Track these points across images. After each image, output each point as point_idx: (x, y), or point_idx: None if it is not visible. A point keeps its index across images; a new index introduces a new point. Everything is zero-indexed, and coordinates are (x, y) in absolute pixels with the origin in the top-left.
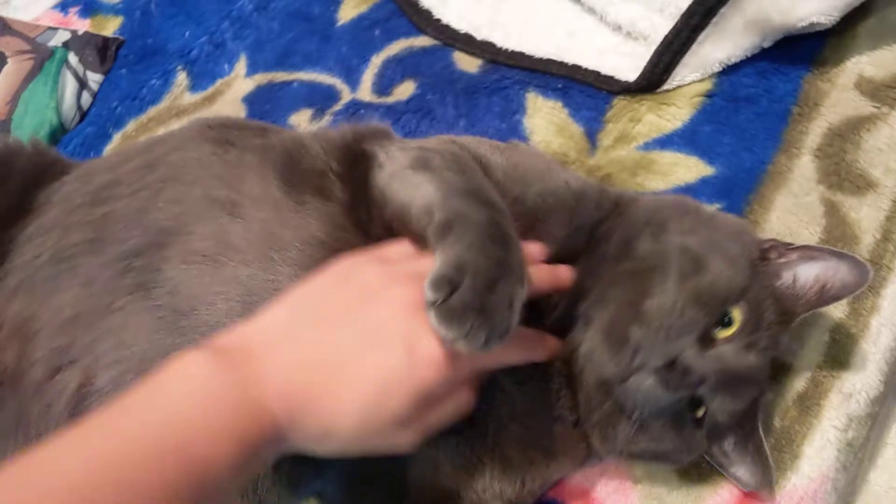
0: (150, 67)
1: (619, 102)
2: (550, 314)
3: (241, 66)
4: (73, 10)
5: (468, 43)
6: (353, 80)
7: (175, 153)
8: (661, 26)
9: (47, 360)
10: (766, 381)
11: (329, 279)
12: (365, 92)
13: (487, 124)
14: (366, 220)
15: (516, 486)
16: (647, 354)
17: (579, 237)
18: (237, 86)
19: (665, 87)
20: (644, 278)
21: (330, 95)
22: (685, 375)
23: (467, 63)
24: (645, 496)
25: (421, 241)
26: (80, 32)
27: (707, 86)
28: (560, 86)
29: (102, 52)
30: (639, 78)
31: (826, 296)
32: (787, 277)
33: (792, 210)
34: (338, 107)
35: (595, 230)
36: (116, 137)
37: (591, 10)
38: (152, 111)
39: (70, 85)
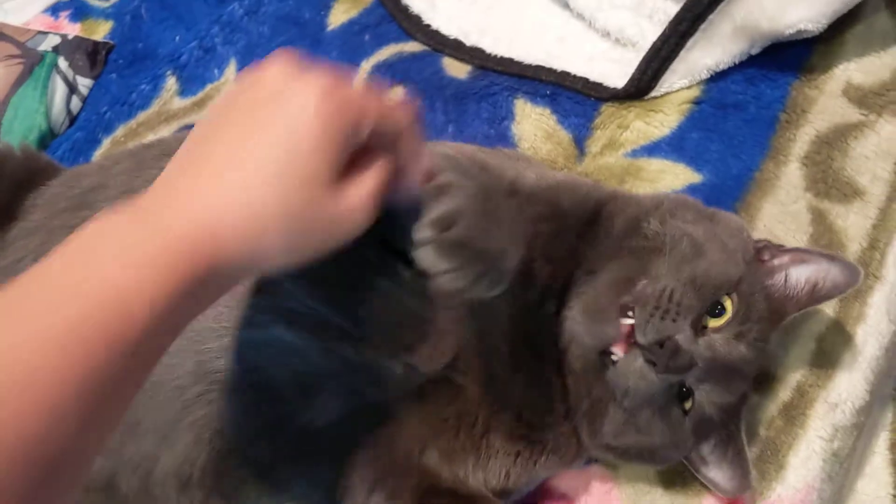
0: (139, 72)
1: (608, 109)
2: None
3: (231, 70)
4: (64, 14)
5: (457, 49)
6: None
7: (166, 159)
8: (649, 32)
9: None
10: (752, 378)
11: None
12: None
13: (476, 130)
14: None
15: (500, 477)
16: (639, 332)
17: (573, 224)
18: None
19: (653, 93)
20: (644, 257)
21: None
22: (675, 356)
23: (456, 69)
24: None
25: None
26: (70, 37)
27: (695, 92)
28: (548, 92)
29: (92, 56)
30: (627, 84)
31: (817, 295)
32: (778, 278)
33: (779, 218)
34: None
35: (595, 214)
36: (106, 143)
37: (580, 17)
38: (142, 116)
39: (60, 90)
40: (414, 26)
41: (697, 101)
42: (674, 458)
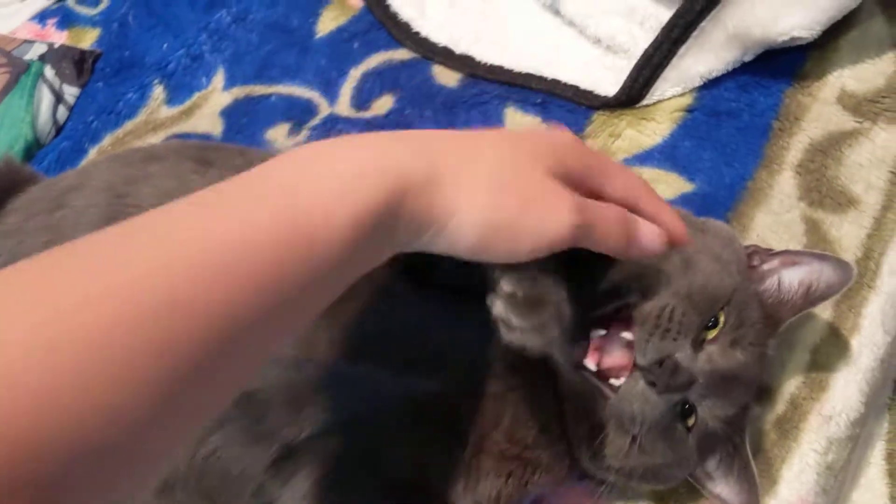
0: (126, 80)
1: (599, 118)
2: None
3: (219, 79)
4: (51, 21)
5: (447, 56)
6: (331, 94)
7: (154, 164)
8: (641, 40)
9: None
10: (755, 386)
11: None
12: (343, 106)
13: None
14: None
15: (490, 499)
16: (639, 353)
17: None
18: (214, 99)
19: (645, 101)
20: (636, 273)
21: (308, 109)
22: (674, 375)
23: (446, 77)
24: None
25: None
26: (56, 45)
27: (687, 100)
28: (539, 101)
29: (79, 65)
30: (619, 92)
31: (812, 297)
32: (770, 283)
33: (772, 228)
34: (315, 121)
35: None
36: (92, 152)
37: (571, 23)
38: (129, 125)
39: (46, 99)
40: (403, 34)
41: (690, 109)
42: (679, 476)
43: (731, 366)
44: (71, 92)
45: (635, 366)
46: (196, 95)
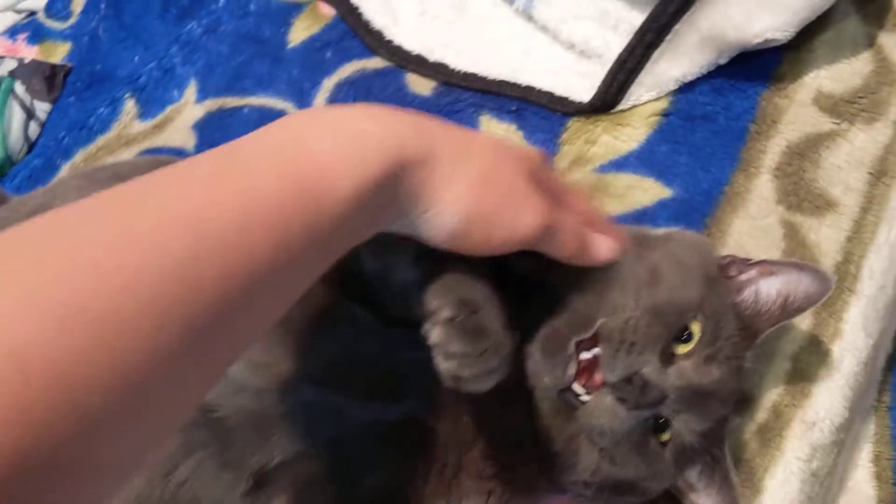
0: (98, 95)
1: (574, 124)
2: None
3: (192, 91)
4: (22, 36)
5: (421, 64)
6: (304, 105)
7: (117, 181)
8: (614, 44)
9: None
10: (733, 399)
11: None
12: None
13: None
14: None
15: None
16: (607, 370)
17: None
18: (187, 112)
19: (620, 106)
20: (597, 293)
21: None
22: (644, 391)
23: (421, 85)
24: None
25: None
26: (26, 61)
27: (663, 105)
28: (514, 108)
29: (50, 80)
30: (593, 98)
31: (790, 308)
32: (748, 294)
33: (750, 233)
34: None
35: None
36: (64, 168)
37: (545, 29)
38: (101, 140)
39: (17, 116)
40: (376, 42)
41: (666, 114)
42: (655, 490)
43: (705, 382)
44: (42, 108)
45: (602, 381)
46: (168, 109)
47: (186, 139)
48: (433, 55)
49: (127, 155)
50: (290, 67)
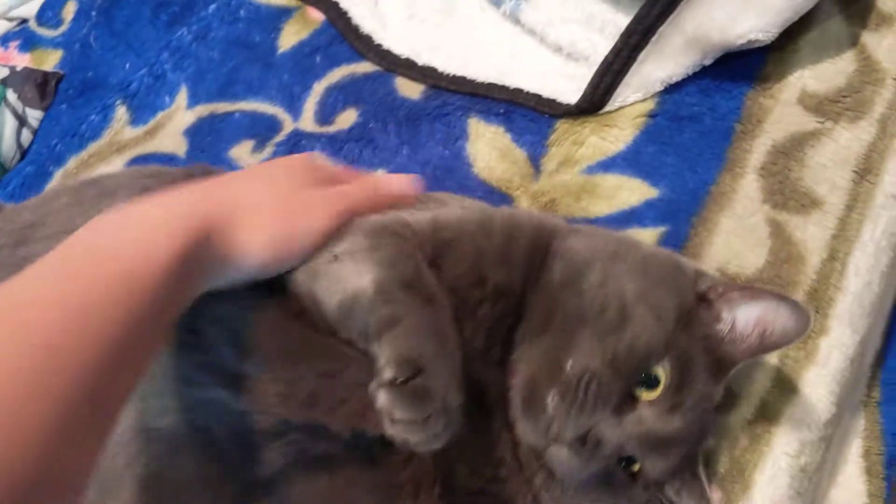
0: (90, 101)
1: (562, 126)
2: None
3: (182, 97)
4: (14, 44)
5: (409, 68)
6: (295, 109)
7: (106, 200)
8: (601, 46)
9: None
10: (703, 433)
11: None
12: (307, 121)
13: (430, 152)
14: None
15: None
16: (561, 426)
17: (517, 273)
18: (178, 118)
19: (607, 108)
20: (571, 330)
21: (272, 126)
22: (597, 448)
23: (410, 89)
24: None
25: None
26: (18, 68)
27: (650, 106)
28: (502, 111)
29: (42, 87)
30: (580, 100)
31: (766, 342)
32: (725, 322)
33: (737, 232)
34: (280, 137)
35: (537, 265)
36: (57, 175)
37: (532, 32)
38: (93, 147)
39: (9, 123)
40: (365, 46)
41: (652, 115)
42: None
43: (666, 431)
44: (34, 115)
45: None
46: (160, 115)
47: (178, 145)
48: (422, 59)
49: (119, 161)
50: (280, 72)
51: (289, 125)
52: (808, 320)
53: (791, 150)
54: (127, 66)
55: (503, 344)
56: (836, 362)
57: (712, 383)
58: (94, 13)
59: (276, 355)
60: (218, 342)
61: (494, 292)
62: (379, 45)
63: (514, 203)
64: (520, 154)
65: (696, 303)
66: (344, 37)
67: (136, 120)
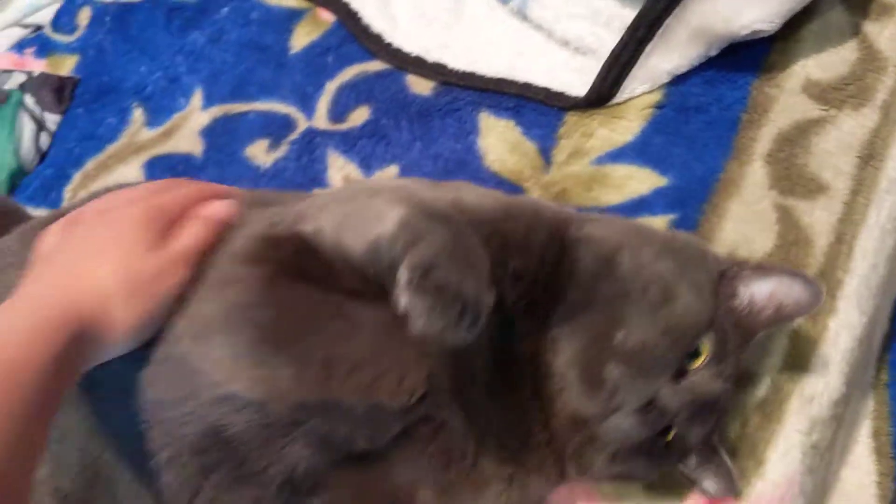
0: (106, 105)
1: (571, 118)
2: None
3: (197, 99)
4: (29, 50)
5: (420, 65)
6: (308, 108)
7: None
8: (607, 40)
9: None
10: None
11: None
12: (321, 119)
13: (442, 146)
14: (324, 273)
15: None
16: (625, 395)
17: (535, 259)
18: (194, 119)
19: (615, 100)
20: (616, 307)
21: (286, 124)
22: (663, 414)
23: (420, 86)
24: None
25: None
26: (35, 73)
27: (657, 97)
28: (512, 105)
29: (59, 92)
30: (589, 93)
31: (781, 314)
32: (743, 296)
33: (745, 218)
34: (294, 135)
35: (554, 252)
36: (76, 177)
37: (539, 28)
38: (111, 149)
39: (28, 127)
40: (376, 45)
41: (660, 106)
42: (656, 476)
43: (713, 395)
44: (52, 119)
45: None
46: (175, 116)
47: (194, 145)
48: (432, 56)
49: (137, 162)
50: (292, 73)
51: (302, 123)
52: (819, 292)
53: (796, 137)
54: (142, 70)
55: (532, 318)
56: (845, 342)
57: (740, 353)
58: (108, 19)
59: (289, 334)
60: None
61: (513, 275)
62: (389, 44)
63: (525, 195)
64: (530, 146)
65: (718, 281)
66: (355, 37)
67: (152, 122)
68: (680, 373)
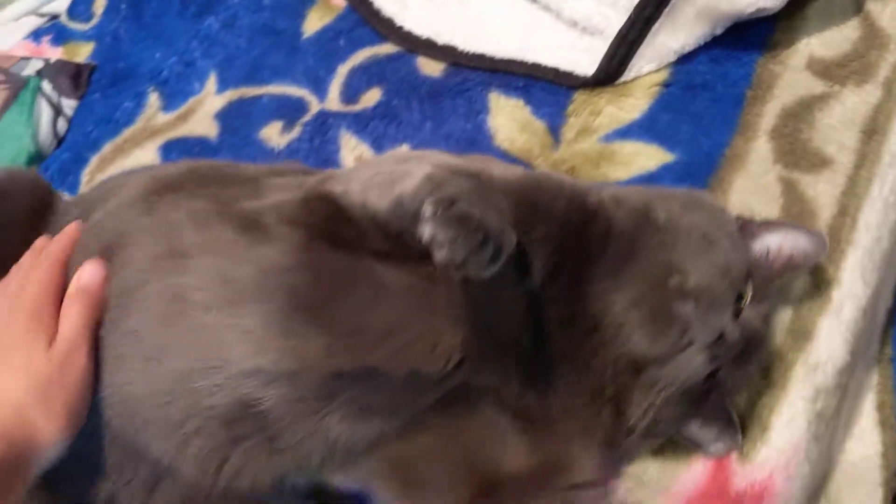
0: (122, 91)
1: (580, 97)
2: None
3: (212, 83)
4: (46, 38)
5: (430, 48)
6: (320, 91)
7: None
8: (615, 20)
9: None
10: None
11: None
12: (333, 101)
13: (453, 126)
14: (352, 235)
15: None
16: (698, 331)
17: (556, 227)
18: (209, 103)
19: (623, 79)
20: (664, 255)
21: (299, 107)
22: (729, 349)
23: (431, 67)
24: (623, 477)
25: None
26: (52, 60)
27: (663, 75)
28: (521, 84)
29: (75, 78)
30: (597, 72)
31: (792, 264)
32: (759, 250)
33: (751, 191)
34: (307, 117)
35: (576, 220)
36: (94, 161)
37: (547, 9)
38: (127, 133)
39: (45, 112)
40: (387, 29)
41: (666, 84)
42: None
43: (760, 333)
44: (69, 104)
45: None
46: (190, 100)
47: (209, 128)
48: (442, 39)
49: (153, 146)
50: (305, 57)
51: (315, 106)
52: (824, 242)
53: (801, 112)
54: (157, 55)
55: (568, 274)
56: (849, 312)
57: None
58: (123, 6)
59: (312, 299)
60: None
61: (540, 241)
62: (400, 28)
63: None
64: (539, 125)
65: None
66: (366, 20)
67: (167, 106)
68: (735, 312)
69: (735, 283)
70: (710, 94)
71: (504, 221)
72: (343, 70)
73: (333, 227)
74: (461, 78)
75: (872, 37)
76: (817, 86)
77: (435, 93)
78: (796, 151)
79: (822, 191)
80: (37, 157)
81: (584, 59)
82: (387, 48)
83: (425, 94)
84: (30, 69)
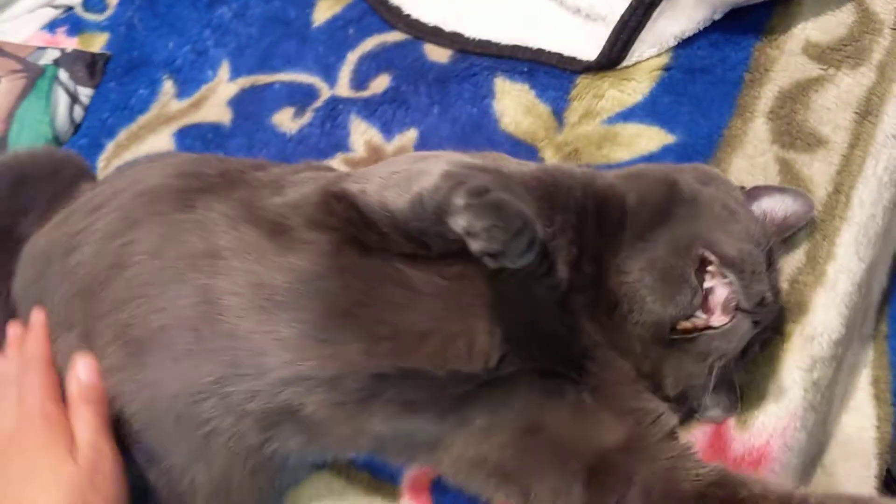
0: (137, 79)
1: (583, 81)
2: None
3: (224, 71)
4: (61, 29)
5: (437, 35)
6: (331, 78)
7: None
8: (617, 6)
9: None
10: None
11: None
12: (343, 88)
13: (459, 110)
14: (376, 239)
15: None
16: (744, 298)
17: (572, 214)
18: (221, 90)
19: (625, 63)
20: (690, 222)
21: (310, 93)
22: (770, 312)
23: (438, 54)
24: None
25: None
26: (68, 50)
27: (664, 60)
28: (526, 69)
29: (91, 67)
30: (599, 56)
31: (786, 224)
32: (758, 213)
33: (749, 170)
34: (318, 104)
35: (590, 205)
36: (109, 147)
37: None
38: (142, 119)
39: (62, 100)
40: (395, 17)
41: (667, 68)
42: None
43: (778, 293)
44: (85, 92)
45: (736, 307)
46: (204, 88)
47: (222, 114)
48: (448, 26)
49: (167, 132)
50: (315, 45)
51: (326, 92)
52: (811, 202)
53: (797, 94)
54: (170, 45)
55: (593, 262)
56: (844, 286)
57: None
58: None
59: (344, 304)
60: None
61: (560, 228)
62: (408, 16)
63: (539, 154)
64: (544, 109)
65: None
66: (374, 9)
67: (181, 93)
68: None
69: (764, 249)
70: (709, 78)
71: (531, 210)
72: (352, 57)
73: (358, 232)
74: (467, 63)
75: (866, 21)
76: (813, 69)
77: (442, 78)
78: (792, 132)
79: (818, 170)
80: (54, 144)
81: (587, 44)
82: (395, 36)
83: (432, 79)
84: (46, 58)
